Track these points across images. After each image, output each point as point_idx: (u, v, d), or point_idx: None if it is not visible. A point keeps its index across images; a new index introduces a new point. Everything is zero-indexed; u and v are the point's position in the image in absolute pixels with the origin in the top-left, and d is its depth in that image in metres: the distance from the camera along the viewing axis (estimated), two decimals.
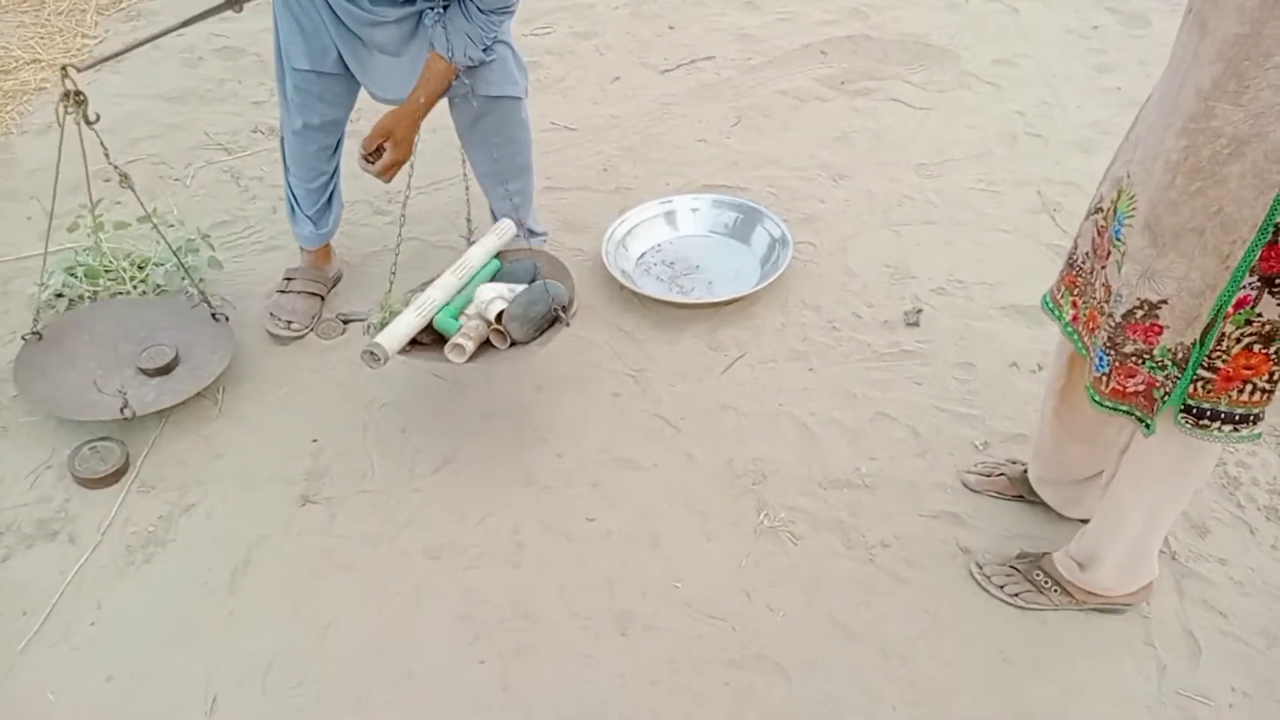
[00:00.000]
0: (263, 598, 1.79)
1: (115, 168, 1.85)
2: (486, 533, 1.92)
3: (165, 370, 2.12)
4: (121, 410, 1.96)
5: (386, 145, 2.03)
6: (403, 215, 2.10)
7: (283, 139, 2.28)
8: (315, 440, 2.09)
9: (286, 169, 2.31)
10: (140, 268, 2.38)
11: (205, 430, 2.10)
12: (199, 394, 2.11)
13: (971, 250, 2.62)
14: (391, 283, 2.04)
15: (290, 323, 2.32)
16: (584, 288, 2.51)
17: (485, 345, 1.95)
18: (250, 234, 2.66)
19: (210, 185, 2.84)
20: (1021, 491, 1.94)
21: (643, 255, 2.63)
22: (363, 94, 2.22)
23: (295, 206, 2.36)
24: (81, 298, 2.31)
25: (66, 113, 1.68)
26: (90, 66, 1.65)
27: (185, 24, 1.83)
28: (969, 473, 2.00)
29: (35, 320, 2.09)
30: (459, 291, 2.02)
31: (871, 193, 2.85)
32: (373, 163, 2.05)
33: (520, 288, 2.01)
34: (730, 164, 2.99)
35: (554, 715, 1.63)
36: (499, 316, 1.93)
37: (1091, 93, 3.28)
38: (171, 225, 2.50)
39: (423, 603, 1.79)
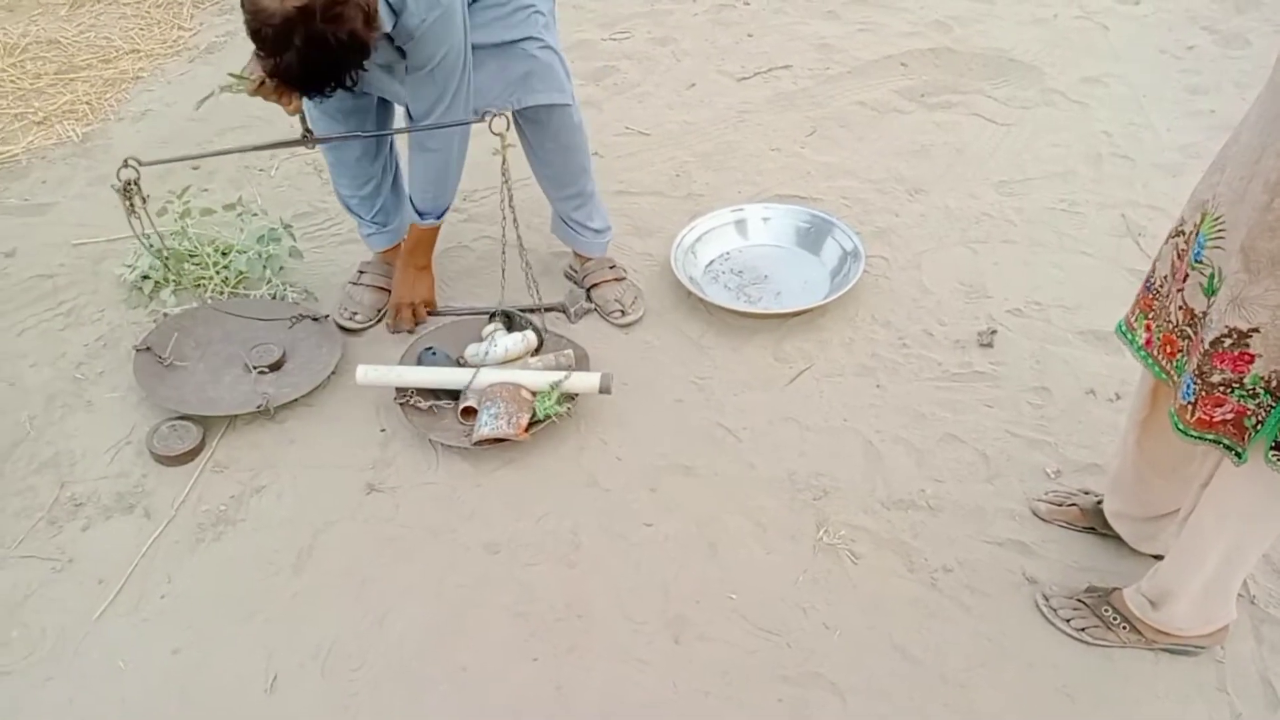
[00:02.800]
0: (326, 581, 1.83)
1: (163, 261, 1.92)
2: (545, 531, 1.93)
3: (275, 366, 2.20)
4: (259, 407, 2.08)
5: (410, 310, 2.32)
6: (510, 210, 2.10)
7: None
8: (383, 430, 2.13)
9: (333, 179, 2.36)
10: (224, 254, 2.45)
11: (278, 416, 2.15)
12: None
13: (1051, 272, 2.55)
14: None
15: (355, 314, 2.37)
16: (651, 293, 2.51)
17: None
18: (330, 225, 2.72)
19: (294, 177, 2.92)
20: (1093, 523, 1.88)
21: (711, 263, 2.62)
22: None
23: (351, 213, 2.41)
24: (167, 280, 2.39)
25: (125, 200, 1.77)
26: (152, 164, 1.75)
27: (254, 149, 1.96)
28: (1039, 501, 1.94)
29: (143, 338, 2.20)
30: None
31: (949, 208, 2.79)
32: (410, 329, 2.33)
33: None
34: (804, 174, 2.96)
35: (605, 717, 1.63)
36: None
37: (1183, 115, 3.17)
38: (255, 214, 2.57)
39: (480, 596, 1.80)
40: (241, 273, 2.43)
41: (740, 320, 2.42)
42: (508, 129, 1.92)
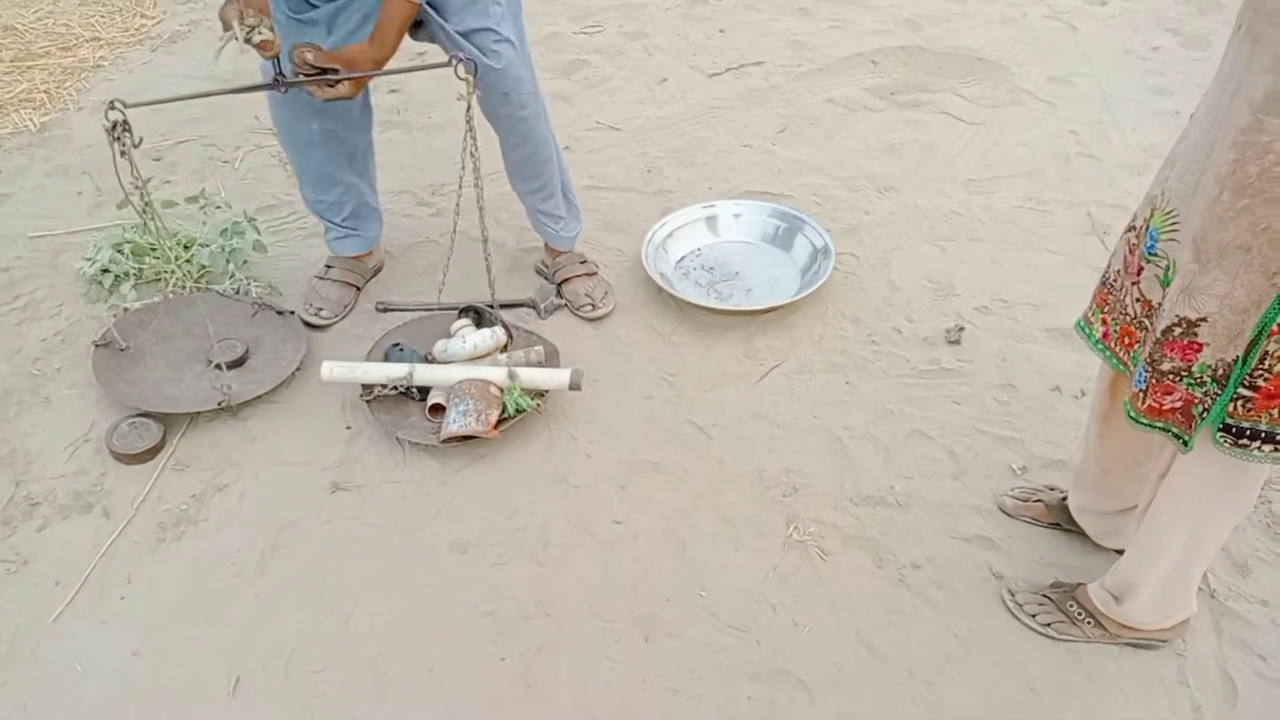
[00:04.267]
0: (290, 582, 1.80)
1: (141, 196, 1.81)
2: (514, 529, 1.91)
3: (238, 363, 2.16)
4: (219, 404, 2.04)
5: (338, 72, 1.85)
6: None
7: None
8: (349, 428, 2.11)
9: (299, 183, 2.31)
10: (186, 248, 2.41)
11: (241, 412, 2.11)
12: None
13: (1018, 270, 2.58)
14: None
15: (320, 310, 2.34)
16: (622, 289, 2.50)
17: None
18: (296, 219, 2.68)
19: (258, 169, 2.88)
20: (1059, 519, 1.90)
21: (682, 259, 2.61)
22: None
23: (319, 218, 2.37)
24: (127, 274, 2.34)
25: (114, 140, 1.69)
26: (136, 106, 1.68)
27: (231, 91, 1.89)
28: (1006, 496, 1.96)
29: (104, 333, 2.14)
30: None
31: (918, 206, 2.81)
32: (317, 83, 1.85)
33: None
34: (775, 171, 2.97)
35: (574, 716, 1.62)
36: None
37: (1148, 115, 3.22)
38: (219, 207, 2.53)
39: (447, 596, 1.79)
40: (204, 267, 2.38)
41: (711, 317, 2.42)
42: (475, 75, 1.86)
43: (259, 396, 2.10)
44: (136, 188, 1.76)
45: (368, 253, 2.45)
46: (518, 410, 2.04)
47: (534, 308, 2.43)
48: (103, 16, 3.64)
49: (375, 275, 2.50)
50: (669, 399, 2.21)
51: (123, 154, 1.69)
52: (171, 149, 2.87)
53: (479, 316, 2.27)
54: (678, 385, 2.24)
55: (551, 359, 2.20)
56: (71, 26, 3.56)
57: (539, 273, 2.55)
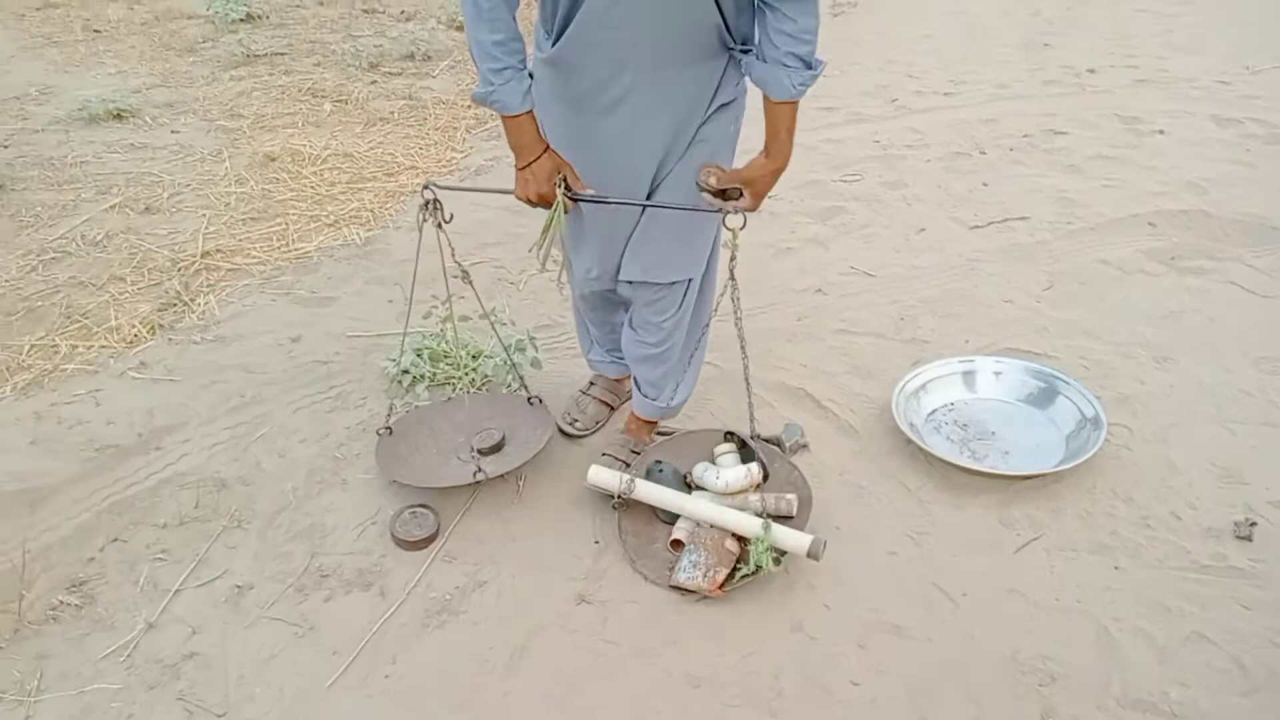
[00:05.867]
0: (535, 686, 1.89)
1: (459, 264, 2.12)
2: (746, 671, 1.90)
3: (495, 449, 2.37)
4: (474, 474, 2.23)
5: (744, 189, 1.89)
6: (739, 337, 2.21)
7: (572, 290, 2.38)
8: (597, 542, 2.21)
9: (582, 321, 2.49)
10: (474, 358, 2.68)
11: (505, 513, 2.28)
12: (502, 477, 2.31)
13: None
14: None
15: (575, 421, 2.50)
16: (868, 436, 2.49)
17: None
18: (566, 338, 2.92)
19: (539, 291, 3.17)
20: None
21: (934, 412, 2.57)
22: None
23: (592, 344, 2.54)
24: (423, 377, 2.63)
25: (425, 219, 1.99)
26: (446, 189, 2.01)
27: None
28: None
29: (388, 416, 2.40)
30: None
31: (1201, 382, 2.61)
32: (722, 197, 1.90)
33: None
34: (1039, 329, 2.87)
35: None
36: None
37: None
38: (504, 324, 2.80)
39: None
40: (487, 377, 2.63)
41: (964, 477, 2.35)
42: (743, 227, 1.91)
43: (513, 478, 2.24)
44: (455, 262, 2.10)
45: (626, 376, 2.60)
46: (757, 568, 2.03)
47: (778, 445, 2.47)
48: (421, 149, 4.22)
49: (629, 399, 2.65)
50: (914, 558, 2.14)
51: (438, 226, 1.94)
52: (469, 268, 3.23)
53: (742, 445, 2.33)
54: (925, 545, 2.17)
55: (804, 509, 2.20)
56: (395, 156, 4.15)
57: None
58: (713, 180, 1.88)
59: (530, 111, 1.85)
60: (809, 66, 1.77)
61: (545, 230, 1.97)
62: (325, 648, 1.99)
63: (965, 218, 3.52)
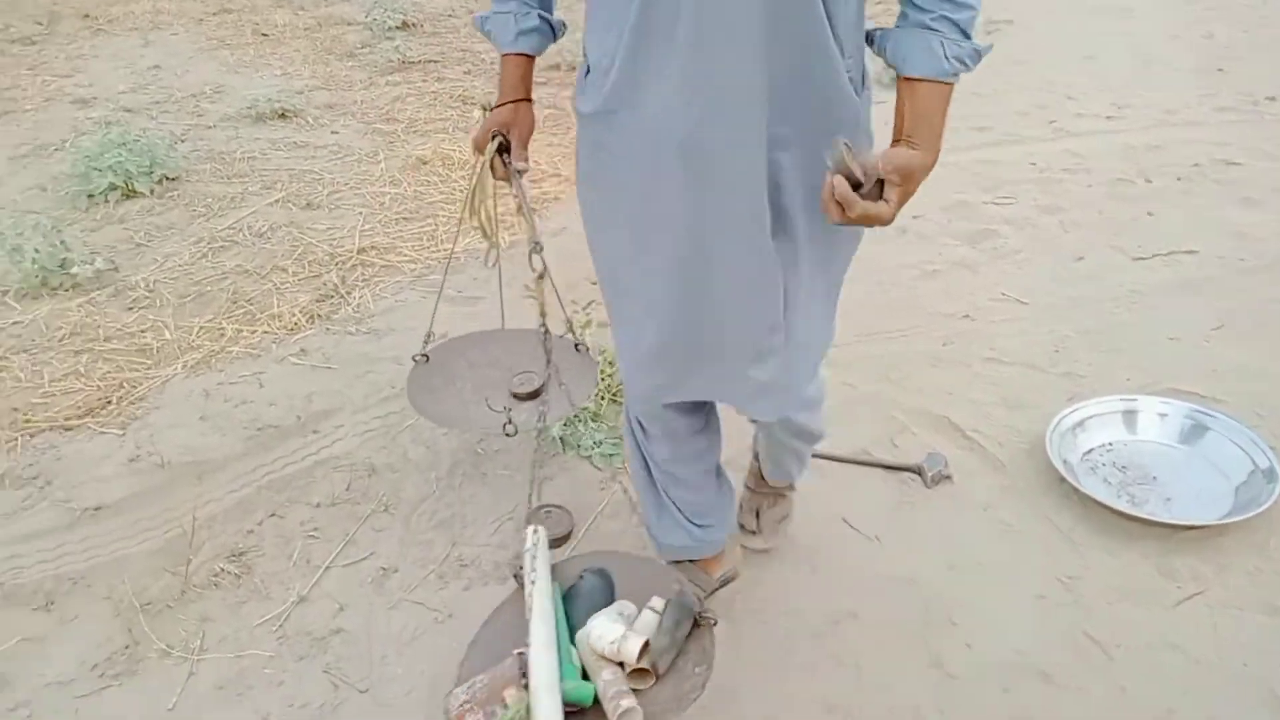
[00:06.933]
0: None
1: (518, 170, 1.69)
2: (885, 705, 1.85)
3: (534, 395, 2.16)
4: (504, 427, 2.02)
5: (894, 185, 1.27)
6: None
7: (626, 412, 1.85)
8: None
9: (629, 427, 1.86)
10: (610, 363, 2.71)
11: (636, 516, 2.29)
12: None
13: None
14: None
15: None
16: (1016, 471, 2.38)
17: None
18: None
19: None
20: None
21: (1090, 451, 2.44)
22: None
23: (656, 494, 1.90)
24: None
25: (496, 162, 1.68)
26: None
27: None
28: None
29: (425, 344, 2.25)
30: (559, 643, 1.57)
31: None
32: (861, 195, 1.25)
33: (628, 611, 1.62)
34: (1208, 371, 2.69)
35: None
36: (641, 653, 1.49)
37: None
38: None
39: None
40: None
41: (1120, 521, 2.21)
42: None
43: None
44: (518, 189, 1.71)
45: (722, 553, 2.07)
46: None
47: (919, 474, 2.39)
48: (565, 157, 4.31)
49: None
50: (1065, 603, 2.03)
51: (508, 175, 1.65)
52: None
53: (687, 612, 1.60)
54: (1076, 590, 2.06)
55: None
56: (539, 163, 4.25)
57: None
58: (855, 164, 1.23)
59: (522, 55, 1.62)
60: (969, 38, 1.31)
61: (470, 192, 1.69)
62: (462, 636, 2.02)
63: (1128, 248, 3.33)
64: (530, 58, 1.65)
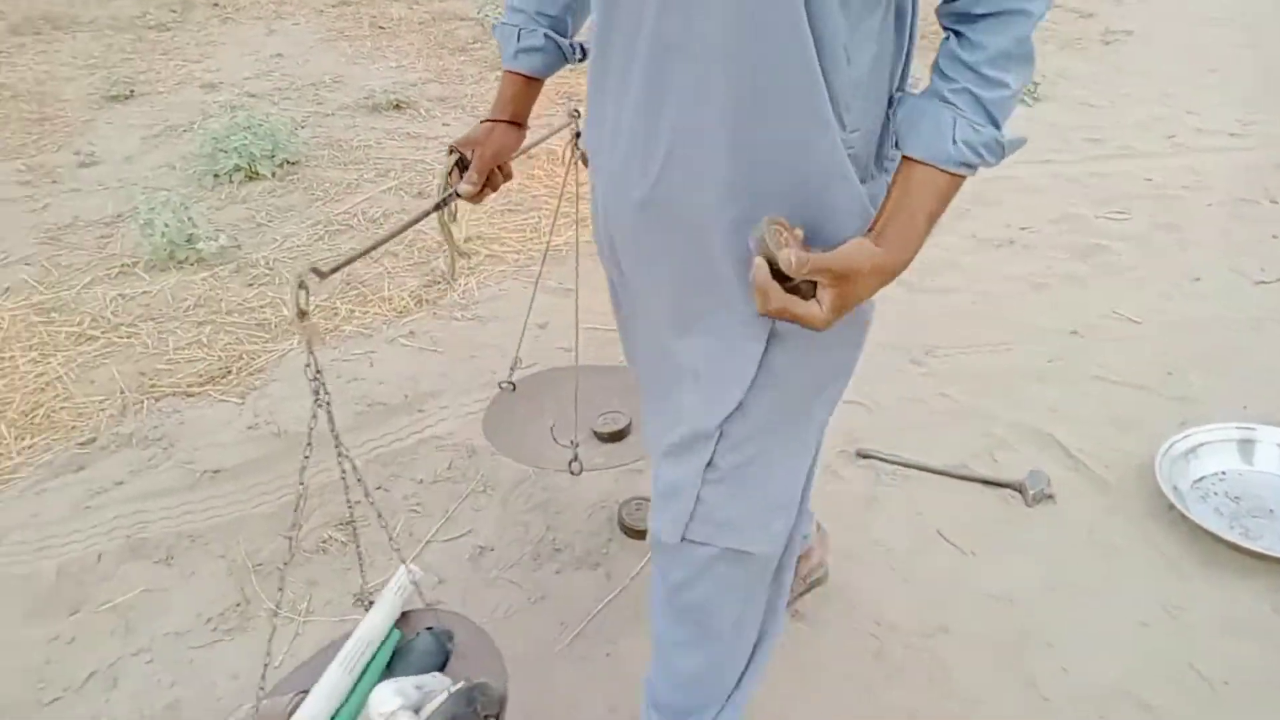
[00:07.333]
0: None
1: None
2: None
3: (617, 436, 2.16)
4: (570, 464, 2.02)
5: (825, 286, 1.03)
6: None
7: None
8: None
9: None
10: None
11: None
12: None
13: None
14: None
15: None
16: (1123, 494, 2.31)
17: None
18: None
19: None
20: None
21: (1202, 479, 2.35)
22: None
23: None
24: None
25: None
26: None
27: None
28: None
29: (511, 371, 2.25)
30: (349, 695, 1.42)
31: None
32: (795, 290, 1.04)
33: (429, 686, 1.42)
34: None
35: None
36: None
37: None
38: None
39: None
40: None
41: (1232, 554, 2.13)
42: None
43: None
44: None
45: None
46: None
47: (1020, 491, 2.35)
48: None
49: None
50: (1170, 633, 1.97)
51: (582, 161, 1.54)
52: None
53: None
54: (1182, 621, 2.00)
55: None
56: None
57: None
58: (791, 257, 1.00)
59: (518, 74, 1.50)
60: (994, 124, 1.03)
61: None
62: (554, 617, 2.09)
63: (1249, 270, 3.19)
64: (529, 78, 1.51)
